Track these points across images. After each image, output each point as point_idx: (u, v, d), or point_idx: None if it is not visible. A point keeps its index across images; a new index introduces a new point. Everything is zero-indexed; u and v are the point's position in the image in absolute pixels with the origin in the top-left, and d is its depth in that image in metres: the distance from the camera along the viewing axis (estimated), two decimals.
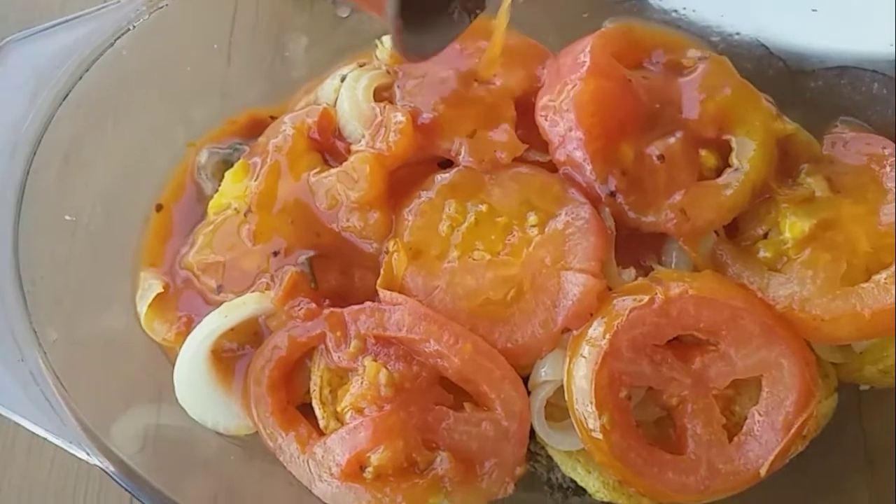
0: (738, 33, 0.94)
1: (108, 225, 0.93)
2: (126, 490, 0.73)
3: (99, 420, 0.78)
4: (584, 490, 0.83)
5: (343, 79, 0.91)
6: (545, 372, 0.81)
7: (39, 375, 0.77)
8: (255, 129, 0.96)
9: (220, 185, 0.91)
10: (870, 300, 0.78)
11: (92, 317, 0.89)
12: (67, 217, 0.88)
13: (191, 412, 0.84)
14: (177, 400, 0.84)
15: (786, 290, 0.80)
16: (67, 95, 0.86)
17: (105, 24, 0.87)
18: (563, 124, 0.83)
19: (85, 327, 0.87)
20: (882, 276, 0.79)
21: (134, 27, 0.88)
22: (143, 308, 0.89)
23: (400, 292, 0.82)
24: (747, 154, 0.85)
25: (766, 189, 0.85)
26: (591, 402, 0.77)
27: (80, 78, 0.86)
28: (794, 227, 0.83)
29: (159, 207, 0.94)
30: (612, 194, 0.83)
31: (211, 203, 0.90)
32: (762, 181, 0.85)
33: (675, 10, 0.94)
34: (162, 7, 0.88)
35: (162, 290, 0.89)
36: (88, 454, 0.73)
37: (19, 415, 0.75)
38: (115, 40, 0.87)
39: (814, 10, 0.89)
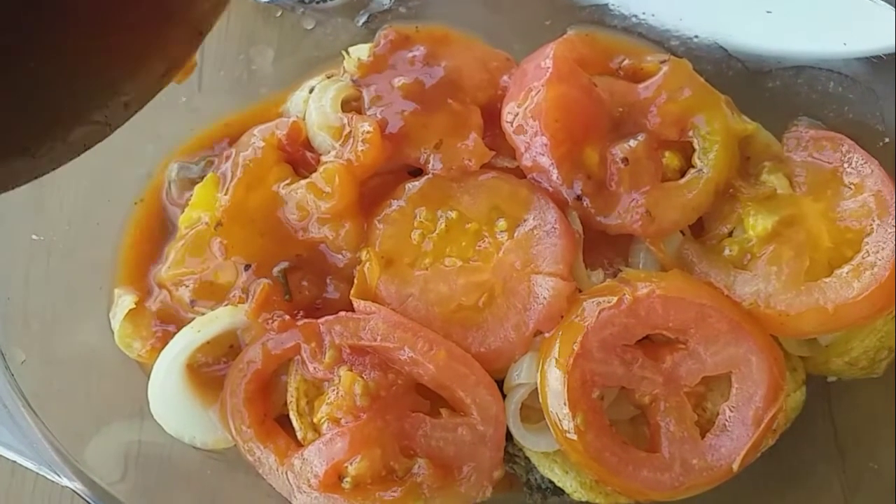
0: (696, 36, 0.92)
1: (81, 243, 0.90)
2: None
3: (73, 441, 0.75)
4: (562, 490, 0.81)
5: (311, 90, 0.88)
6: (519, 375, 0.79)
7: (7, 397, 0.72)
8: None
9: (190, 199, 0.87)
10: (833, 294, 0.77)
11: (65, 336, 0.85)
12: (35, 237, 0.84)
13: (167, 428, 0.81)
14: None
15: (751, 287, 0.79)
16: None
17: None
18: (528, 130, 0.81)
19: (57, 347, 0.84)
20: (844, 271, 0.78)
21: None
22: (116, 324, 0.85)
23: (374, 301, 0.80)
24: (709, 154, 0.83)
25: (730, 188, 0.84)
26: (565, 404, 0.75)
27: None
28: (757, 224, 0.81)
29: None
30: (579, 198, 0.81)
31: (182, 217, 0.87)
32: (725, 181, 0.83)
33: (635, 16, 0.93)
34: None
35: (134, 306, 0.85)
36: (59, 476, 0.69)
37: None
38: None
39: (768, 12, 0.88)
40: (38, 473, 0.73)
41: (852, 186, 0.82)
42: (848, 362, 0.82)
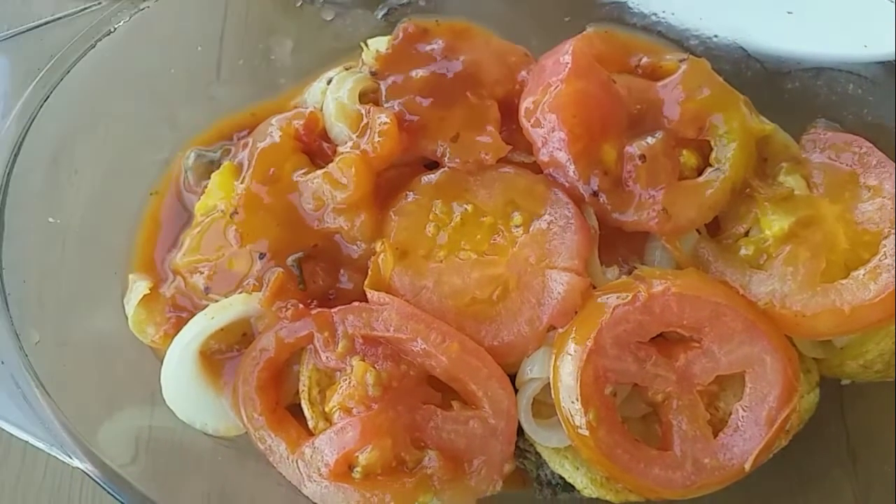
0: (716, 36, 0.92)
1: (98, 227, 0.90)
2: (109, 493, 0.69)
3: (85, 423, 0.75)
4: (572, 486, 0.80)
5: (329, 82, 0.88)
6: (532, 370, 0.78)
7: (21, 378, 0.72)
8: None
9: (206, 187, 0.86)
10: (849, 296, 0.76)
11: (79, 319, 0.85)
12: (51, 219, 0.84)
13: (179, 414, 0.80)
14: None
15: (767, 287, 0.78)
16: (48, 97, 0.81)
17: (88, 24, 0.83)
18: (545, 125, 0.81)
19: (71, 330, 0.83)
20: (861, 273, 0.77)
21: (114, 29, 0.84)
22: (130, 310, 0.85)
23: (387, 292, 0.79)
24: (727, 154, 0.82)
25: (747, 188, 0.83)
26: (578, 399, 0.74)
27: (61, 80, 0.82)
28: (773, 224, 0.80)
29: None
30: (595, 194, 0.80)
31: (198, 205, 0.87)
32: (742, 180, 0.83)
33: (655, 14, 0.92)
34: (143, 9, 0.84)
35: (149, 292, 0.84)
36: (71, 457, 0.68)
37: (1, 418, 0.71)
38: (96, 42, 0.83)
39: (789, 13, 0.87)
40: (49, 456, 0.73)
41: (870, 189, 0.81)
42: (863, 365, 0.80)
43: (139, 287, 0.85)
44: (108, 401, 0.81)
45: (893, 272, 0.75)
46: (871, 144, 0.83)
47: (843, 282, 0.77)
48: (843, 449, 0.84)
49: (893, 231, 0.78)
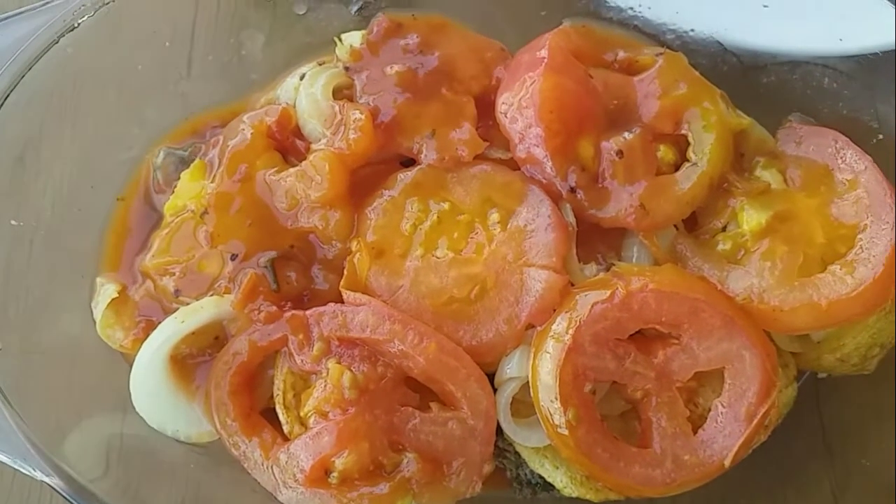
0: (692, 30, 0.90)
1: (64, 229, 0.86)
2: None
3: (51, 434, 0.71)
4: (552, 486, 0.78)
5: (302, 77, 0.85)
6: (510, 369, 0.76)
7: None
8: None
9: (176, 187, 0.83)
10: (826, 290, 0.75)
11: (45, 325, 0.81)
12: (14, 222, 0.80)
13: (150, 421, 0.77)
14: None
15: (745, 283, 0.76)
16: (9, 95, 0.77)
17: (51, 19, 0.79)
18: (522, 121, 0.78)
19: (37, 336, 0.80)
20: (837, 267, 0.76)
21: (78, 24, 0.80)
22: (98, 314, 0.81)
23: (364, 292, 0.77)
24: (704, 148, 0.81)
25: (724, 182, 0.81)
26: (557, 398, 0.72)
27: (23, 77, 0.78)
28: (751, 219, 0.79)
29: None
30: (573, 190, 0.78)
31: (167, 205, 0.83)
32: (719, 175, 0.81)
33: (631, 8, 0.90)
34: (108, 3, 0.80)
35: (117, 295, 0.81)
36: (35, 470, 0.65)
37: None
38: (59, 38, 0.79)
39: (765, 7, 0.85)
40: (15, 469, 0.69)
41: (846, 182, 0.80)
42: (839, 359, 0.80)
43: (107, 290, 0.82)
44: (76, 410, 0.77)
45: (870, 266, 0.74)
46: (846, 138, 0.81)
47: (821, 276, 0.75)
48: (820, 442, 0.83)
49: (868, 224, 0.76)
